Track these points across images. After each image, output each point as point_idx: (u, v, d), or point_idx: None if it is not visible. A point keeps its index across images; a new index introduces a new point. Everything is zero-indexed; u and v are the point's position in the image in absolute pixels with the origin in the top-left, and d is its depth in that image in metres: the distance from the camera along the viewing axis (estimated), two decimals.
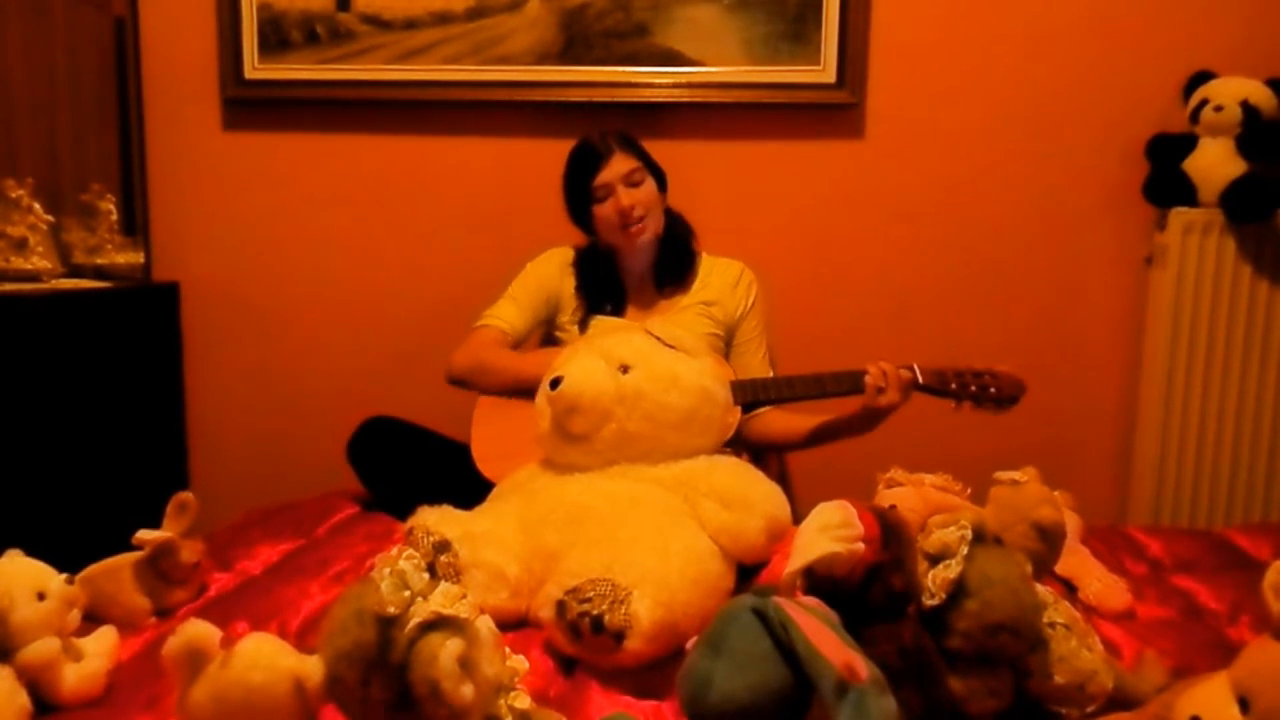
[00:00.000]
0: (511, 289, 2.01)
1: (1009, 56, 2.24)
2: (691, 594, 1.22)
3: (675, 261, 1.99)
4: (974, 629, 1.01)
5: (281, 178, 2.40)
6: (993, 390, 1.72)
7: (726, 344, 1.98)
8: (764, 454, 1.98)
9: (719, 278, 1.99)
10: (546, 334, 2.05)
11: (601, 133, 1.93)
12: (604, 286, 1.98)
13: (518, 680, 0.97)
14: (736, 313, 1.97)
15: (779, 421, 1.92)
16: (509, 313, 1.97)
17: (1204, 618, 1.42)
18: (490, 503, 1.54)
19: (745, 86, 2.24)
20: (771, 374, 1.96)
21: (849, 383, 1.74)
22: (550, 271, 2.02)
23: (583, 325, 1.96)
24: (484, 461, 1.81)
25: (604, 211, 1.91)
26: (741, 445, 1.88)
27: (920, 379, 1.73)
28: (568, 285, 2.00)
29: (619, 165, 1.89)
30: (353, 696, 0.90)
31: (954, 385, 1.73)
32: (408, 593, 0.90)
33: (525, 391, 1.76)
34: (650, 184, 1.93)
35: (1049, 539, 1.29)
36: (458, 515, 1.37)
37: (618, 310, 1.97)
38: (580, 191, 1.93)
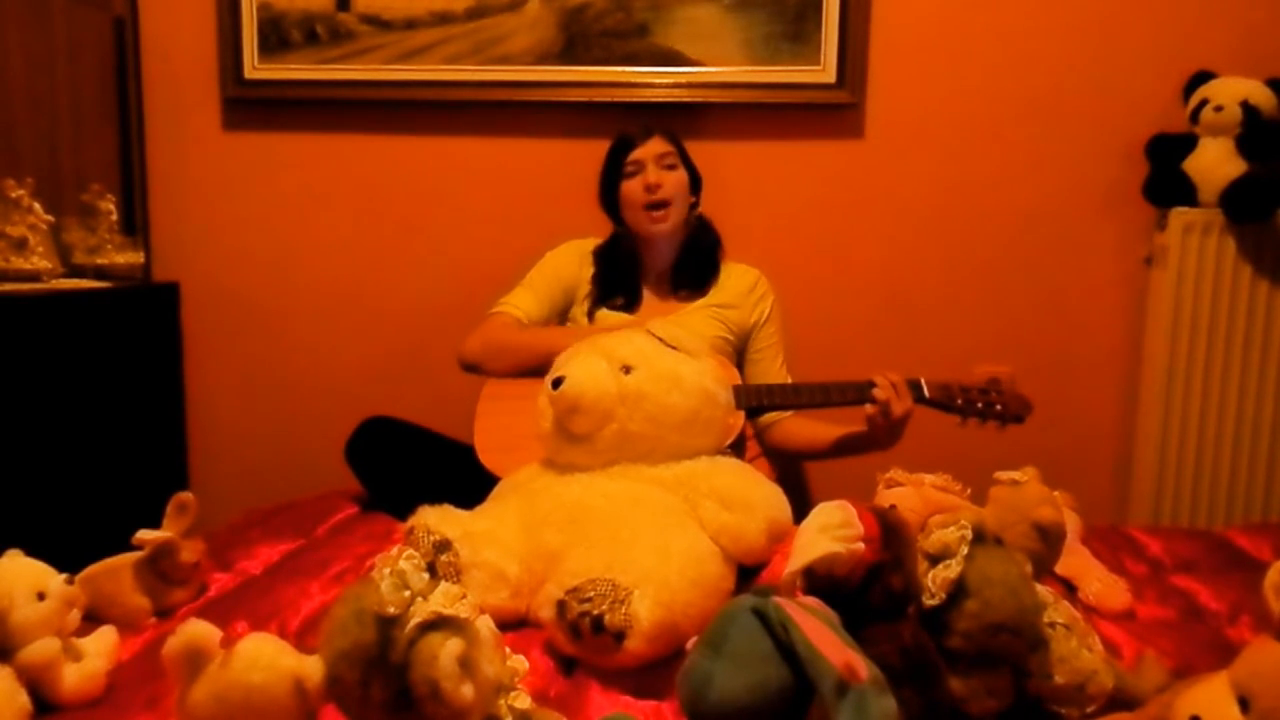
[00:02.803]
0: (529, 277, 2.02)
1: (1009, 56, 2.24)
2: (692, 594, 1.22)
3: (696, 266, 2.00)
4: (974, 629, 1.01)
5: (281, 178, 2.40)
6: (998, 408, 1.72)
7: (738, 350, 1.98)
8: (769, 455, 1.98)
9: (735, 283, 2.00)
10: (560, 324, 2.05)
11: (649, 122, 1.99)
12: (621, 279, 1.99)
13: (518, 680, 0.97)
14: (751, 320, 1.98)
15: (800, 430, 1.92)
16: (525, 301, 1.97)
17: (1204, 618, 1.42)
18: (490, 502, 1.54)
19: (745, 86, 2.24)
20: (789, 381, 1.96)
21: (854, 393, 1.73)
22: (569, 260, 2.03)
23: (591, 317, 1.96)
24: (486, 453, 1.80)
25: (631, 187, 1.93)
26: (742, 447, 1.87)
27: (926, 393, 1.73)
28: (585, 276, 2.01)
29: (655, 146, 1.94)
30: (353, 696, 0.90)
31: (960, 400, 1.73)
32: (408, 593, 0.89)
33: (544, 370, 1.76)
34: (682, 174, 1.96)
35: (1049, 539, 1.29)
36: (458, 515, 1.37)
37: (630, 305, 1.97)
38: (613, 169, 1.97)
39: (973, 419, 1.73)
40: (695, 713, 0.90)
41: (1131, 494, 2.25)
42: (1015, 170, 2.27)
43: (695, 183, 2.00)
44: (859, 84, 2.23)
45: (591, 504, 1.38)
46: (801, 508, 1.44)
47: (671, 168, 1.94)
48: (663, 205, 1.92)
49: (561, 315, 2.03)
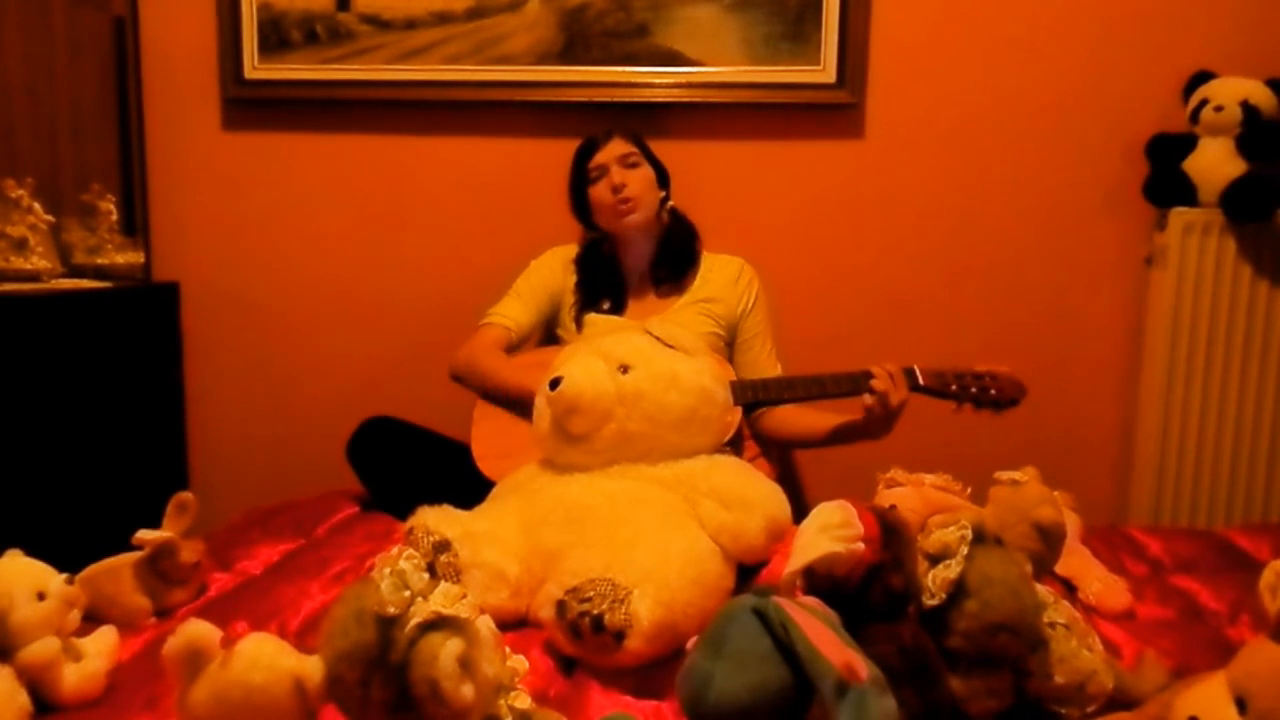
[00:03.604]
0: (516, 286, 2.03)
1: (1009, 56, 2.24)
2: (691, 594, 1.22)
3: (674, 261, 2.00)
4: (974, 629, 1.01)
5: (281, 178, 2.40)
6: (993, 392, 1.72)
7: (728, 342, 1.98)
8: (768, 453, 1.98)
9: (719, 274, 2.00)
10: (549, 331, 2.05)
11: (610, 125, 2.01)
12: (603, 283, 1.99)
13: (518, 680, 0.97)
14: (738, 310, 1.98)
15: (794, 419, 1.92)
16: (513, 310, 1.98)
17: (1204, 618, 1.42)
18: (490, 503, 1.54)
19: (745, 86, 2.24)
20: (779, 368, 1.97)
21: (849, 384, 1.74)
22: (554, 268, 2.04)
23: (578, 322, 1.97)
24: (484, 460, 1.81)
25: (598, 191, 1.95)
26: (740, 445, 1.88)
27: (920, 380, 1.73)
28: (570, 282, 2.02)
29: (616, 148, 1.96)
30: (353, 696, 0.90)
31: (954, 387, 1.73)
32: (408, 593, 0.90)
33: (510, 400, 1.80)
34: (646, 170, 1.97)
35: (1049, 539, 1.29)
36: (458, 515, 1.37)
37: (617, 308, 1.97)
38: (579, 176, 1.99)
39: (967, 405, 1.73)
40: (695, 713, 0.90)
41: (1131, 494, 2.25)
42: (1015, 170, 2.27)
43: (662, 177, 2.01)
44: (859, 84, 2.23)
45: (591, 504, 1.38)
46: (797, 507, 1.45)
47: (634, 166, 1.96)
48: (629, 201, 1.93)
49: (550, 321, 2.04)
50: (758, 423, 1.94)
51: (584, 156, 1.98)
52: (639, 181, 1.94)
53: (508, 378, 1.86)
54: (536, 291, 2.01)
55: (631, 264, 2.01)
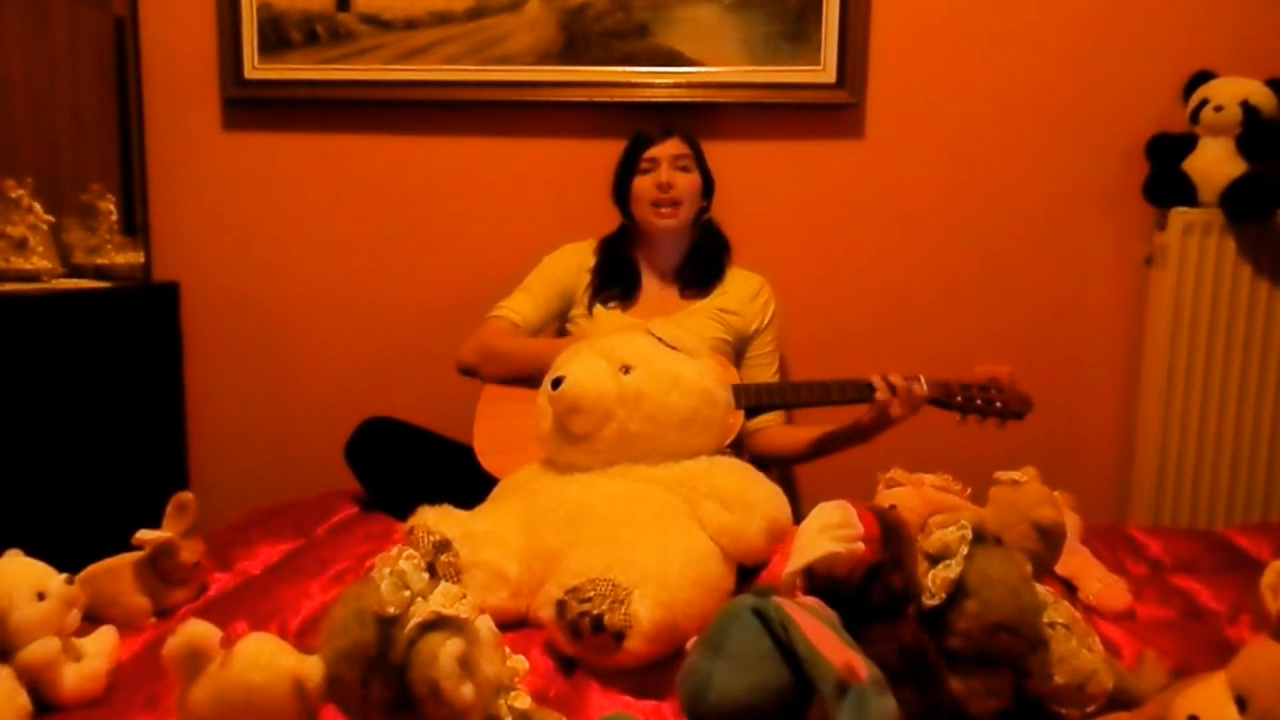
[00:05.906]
0: (527, 281, 2.03)
1: (1009, 56, 2.24)
2: (692, 594, 1.22)
3: (702, 267, 2.01)
4: (974, 629, 1.01)
5: (281, 178, 2.40)
6: (998, 404, 1.72)
7: (737, 353, 1.98)
8: (765, 469, 1.98)
9: (738, 288, 2.01)
10: (559, 329, 2.06)
11: (669, 123, 2.02)
12: (618, 273, 2.00)
13: (518, 680, 0.97)
14: (752, 326, 1.99)
15: (782, 436, 1.93)
16: (522, 305, 1.98)
17: (1204, 618, 1.42)
18: (490, 502, 1.55)
19: (745, 86, 2.24)
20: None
21: (853, 391, 1.74)
22: (567, 265, 2.04)
23: (591, 306, 1.98)
24: (486, 455, 1.81)
25: (643, 183, 1.96)
26: (741, 447, 1.88)
27: (925, 390, 1.73)
28: (583, 280, 2.02)
29: (672, 147, 1.97)
30: (353, 696, 0.90)
31: (959, 398, 1.73)
32: (408, 593, 0.90)
33: (537, 379, 1.77)
34: (695, 177, 1.99)
35: (1049, 539, 1.29)
36: (458, 515, 1.38)
37: (628, 298, 1.98)
38: (628, 164, 2.00)
39: (972, 416, 1.73)
40: (695, 713, 0.90)
41: (1131, 494, 2.25)
42: (1015, 170, 2.27)
43: (708, 187, 2.02)
44: (859, 84, 2.23)
45: (591, 504, 1.38)
46: (796, 507, 1.45)
47: (685, 170, 1.97)
48: (673, 204, 1.94)
49: (559, 319, 2.04)
50: (749, 441, 1.95)
51: (640, 147, 1.98)
52: (685, 186, 1.96)
53: (535, 350, 1.85)
54: (548, 288, 2.01)
55: (657, 262, 2.03)
